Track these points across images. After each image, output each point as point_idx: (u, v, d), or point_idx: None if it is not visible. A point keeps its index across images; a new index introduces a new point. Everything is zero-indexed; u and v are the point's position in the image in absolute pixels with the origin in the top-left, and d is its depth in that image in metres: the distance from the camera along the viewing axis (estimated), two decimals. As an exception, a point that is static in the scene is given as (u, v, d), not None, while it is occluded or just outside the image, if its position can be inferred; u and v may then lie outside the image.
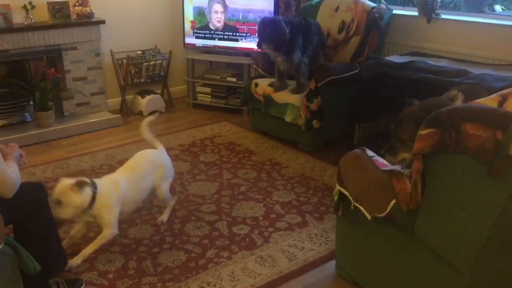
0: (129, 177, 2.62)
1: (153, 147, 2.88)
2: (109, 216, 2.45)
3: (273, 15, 4.33)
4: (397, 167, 1.96)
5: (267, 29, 3.67)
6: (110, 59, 4.65)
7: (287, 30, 3.67)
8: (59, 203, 2.29)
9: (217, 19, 4.72)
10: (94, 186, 2.40)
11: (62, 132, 4.19)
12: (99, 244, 2.44)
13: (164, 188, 2.76)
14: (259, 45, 3.78)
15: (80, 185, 2.31)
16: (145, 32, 4.88)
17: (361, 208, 1.98)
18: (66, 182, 2.32)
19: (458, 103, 2.17)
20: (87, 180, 2.38)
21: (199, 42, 4.85)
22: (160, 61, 4.83)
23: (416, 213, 1.78)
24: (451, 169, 1.63)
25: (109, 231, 2.46)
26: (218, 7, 4.69)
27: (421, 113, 2.11)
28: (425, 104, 2.12)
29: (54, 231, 2.25)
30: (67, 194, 2.29)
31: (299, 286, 2.34)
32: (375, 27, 3.81)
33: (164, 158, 2.83)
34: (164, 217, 2.84)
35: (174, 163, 3.05)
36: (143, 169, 2.69)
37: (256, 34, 3.84)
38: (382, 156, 2.20)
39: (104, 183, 2.50)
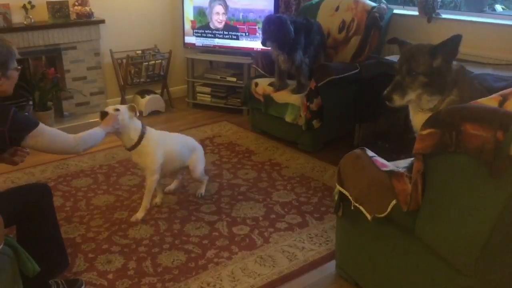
0: (173, 140, 3.02)
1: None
2: (151, 163, 2.82)
3: (273, 14, 4.32)
4: (397, 168, 1.96)
5: (272, 26, 3.65)
6: (109, 58, 4.64)
7: (292, 29, 3.66)
8: (117, 110, 2.72)
9: (218, 20, 4.71)
10: (144, 128, 2.82)
11: (61, 132, 4.18)
12: (149, 193, 2.87)
13: (199, 169, 3.10)
14: (263, 42, 3.76)
15: (133, 111, 2.77)
16: (145, 32, 4.88)
17: (361, 208, 1.97)
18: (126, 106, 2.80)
19: (455, 65, 2.03)
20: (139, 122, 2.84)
21: (199, 42, 4.84)
22: (160, 60, 4.83)
23: (417, 213, 1.77)
24: (452, 169, 1.63)
25: (151, 178, 2.85)
26: (219, 8, 4.68)
27: (430, 47, 1.99)
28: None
29: (58, 231, 2.25)
30: (125, 109, 2.74)
31: (299, 286, 2.34)
32: (375, 26, 3.80)
33: (197, 145, 3.17)
34: (202, 190, 3.15)
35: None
36: (181, 141, 3.07)
37: (261, 31, 3.81)
38: (388, 98, 2.04)
39: (154, 132, 2.89)
